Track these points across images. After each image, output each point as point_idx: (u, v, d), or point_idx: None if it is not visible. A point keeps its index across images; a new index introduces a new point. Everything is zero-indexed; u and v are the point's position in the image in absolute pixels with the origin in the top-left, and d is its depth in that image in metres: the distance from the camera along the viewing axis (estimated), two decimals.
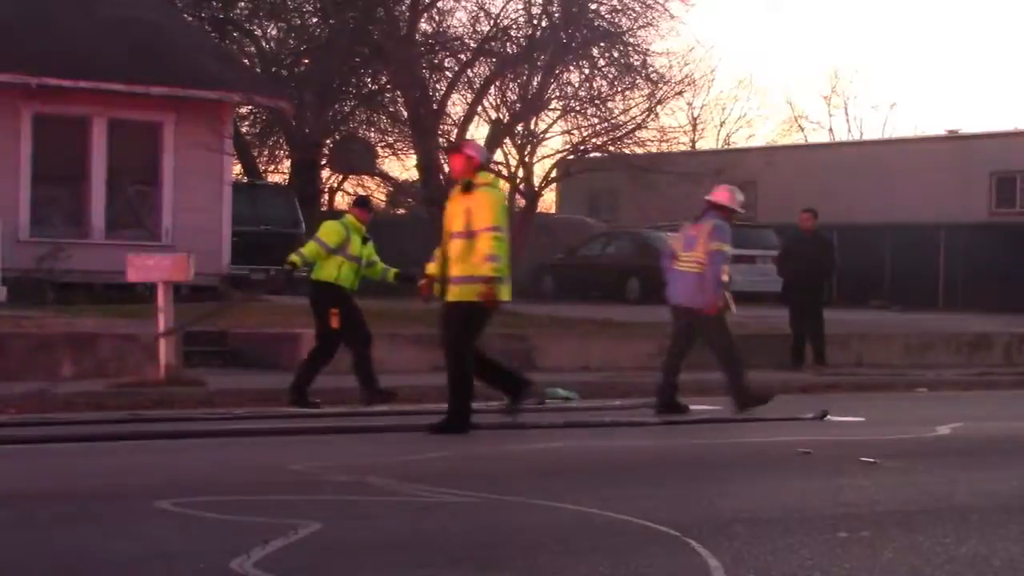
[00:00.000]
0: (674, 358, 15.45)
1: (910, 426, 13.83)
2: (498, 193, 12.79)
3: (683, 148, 35.91)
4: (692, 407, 15.50)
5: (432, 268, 12.97)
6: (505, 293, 12.68)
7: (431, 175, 26.79)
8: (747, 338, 21.77)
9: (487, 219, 12.35)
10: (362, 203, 16.72)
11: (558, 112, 25.76)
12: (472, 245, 12.42)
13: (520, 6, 30.18)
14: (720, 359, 15.30)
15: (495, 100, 26.75)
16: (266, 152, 39.68)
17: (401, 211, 41.56)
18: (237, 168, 32.61)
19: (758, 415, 14.75)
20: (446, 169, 25.70)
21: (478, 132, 30.11)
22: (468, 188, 12.56)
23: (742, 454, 11.71)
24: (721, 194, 15.56)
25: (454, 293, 12.58)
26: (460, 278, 12.50)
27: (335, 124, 33.41)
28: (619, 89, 26.96)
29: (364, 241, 15.84)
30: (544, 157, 26.25)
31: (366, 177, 37.13)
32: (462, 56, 31.98)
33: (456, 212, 12.61)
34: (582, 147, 25.71)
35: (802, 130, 63.54)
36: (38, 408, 14.02)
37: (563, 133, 26.36)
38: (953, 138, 42.13)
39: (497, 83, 27.06)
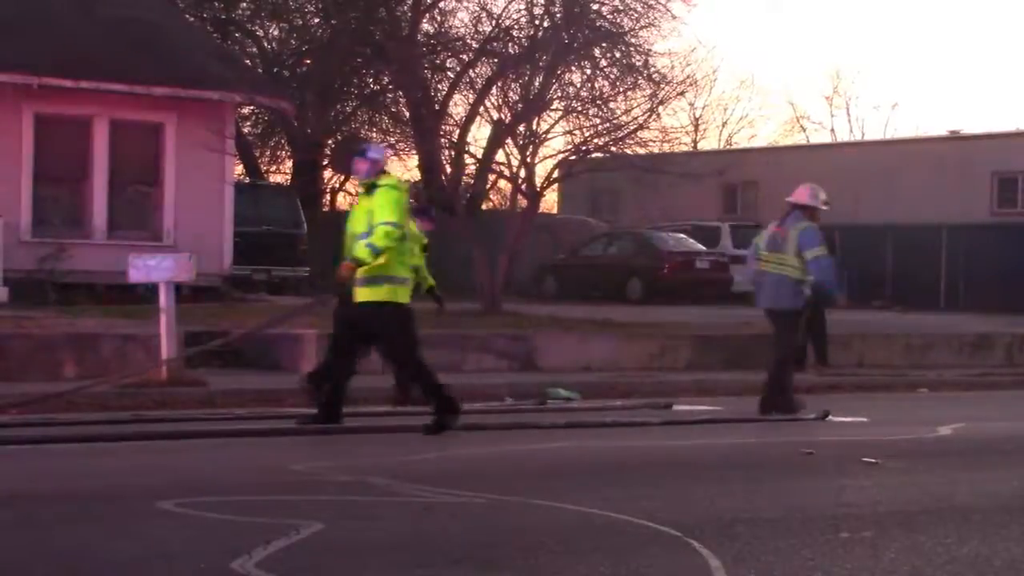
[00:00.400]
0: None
1: (912, 426, 13.83)
2: (400, 193, 12.76)
3: (685, 148, 35.92)
4: (693, 408, 15.50)
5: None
6: (403, 295, 12.71)
7: (433, 175, 26.77)
8: (749, 339, 21.80)
9: (385, 215, 12.41)
10: (423, 212, 16.71)
11: (560, 112, 25.72)
12: None
13: (522, 6, 30.14)
14: (777, 357, 15.17)
15: (497, 100, 26.71)
16: (268, 152, 39.71)
17: None
18: (239, 168, 32.61)
19: (759, 416, 14.74)
20: (448, 170, 25.76)
21: (480, 132, 30.12)
22: (371, 189, 12.67)
23: (743, 454, 11.72)
24: (801, 194, 15.43)
25: (363, 295, 12.62)
26: (366, 279, 12.54)
27: (337, 124, 33.41)
28: (621, 89, 26.93)
29: (424, 250, 15.93)
30: (546, 157, 26.21)
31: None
32: (464, 56, 31.94)
33: (360, 214, 12.76)
34: (584, 147, 25.66)
35: (804, 130, 63.67)
36: (40, 409, 14.00)
37: (565, 133, 26.31)
38: (955, 138, 42.15)
39: (499, 83, 27.02)
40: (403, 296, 12.70)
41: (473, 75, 30.44)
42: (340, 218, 40.14)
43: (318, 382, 14.98)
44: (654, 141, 26.45)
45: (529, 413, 15.02)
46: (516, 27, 30.46)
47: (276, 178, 39.04)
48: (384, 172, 12.93)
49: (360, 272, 12.51)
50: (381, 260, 12.42)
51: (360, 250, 12.42)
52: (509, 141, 24.63)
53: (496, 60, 28.22)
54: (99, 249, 23.78)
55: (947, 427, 13.80)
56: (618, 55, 27.77)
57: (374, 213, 12.50)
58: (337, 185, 41.48)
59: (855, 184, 38.75)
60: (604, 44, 27.70)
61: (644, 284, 32.87)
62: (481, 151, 27.20)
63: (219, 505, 8.39)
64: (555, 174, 26.12)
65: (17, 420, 13.09)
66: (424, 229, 15.95)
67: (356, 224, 12.76)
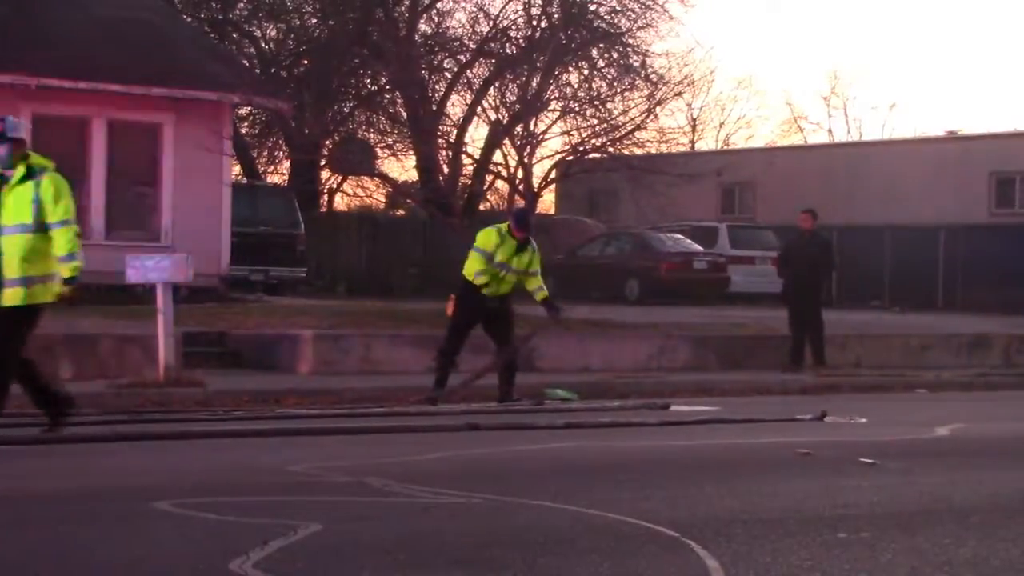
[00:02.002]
0: None
1: (909, 427, 13.83)
2: (64, 180, 11.53)
3: (682, 149, 35.95)
4: (691, 408, 15.51)
5: None
6: (48, 294, 11.46)
7: (430, 176, 26.79)
8: (746, 339, 21.82)
9: (61, 212, 11.27)
10: (514, 217, 16.39)
11: (557, 113, 25.75)
12: (45, 241, 11.31)
13: (519, 7, 30.22)
14: None
15: (494, 101, 26.78)
16: (265, 153, 39.74)
17: (400, 212, 41.62)
18: (236, 169, 32.63)
19: (759, 416, 14.73)
20: (446, 170, 25.77)
21: (477, 133, 30.14)
22: (32, 174, 11.34)
23: (741, 455, 11.71)
24: None
25: (17, 296, 11.30)
26: (30, 278, 11.30)
27: (334, 125, 33.44)
28: (618, 90, 26.97)
29: (519, 251, 15.86)
30: (543, 158, 26.24)
31: (365, 178, 37.16)
32: (461, 57, 32.00)
33: (18, 203, 11.31)
34: (581, 148, 25.68)
35: (801, 131, 63.69)
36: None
37: (562, 134, 26.36)
38: (953, 139, 42.15)
39: (496, 84, 27.08)
40: (47, 295, 11.45)
41: (471, 76, 30.49)
42: (338, 218, 40.33)
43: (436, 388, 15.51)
44: (651, 141, 26.49)
45: (527, 414, 15.02)
46: (513, 28, 30.53)
47: (274, 178, 39.09)
48: (30, 151, 11.58)
49: (23, 271, 11.27)
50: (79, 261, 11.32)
51: (68, 269, 11.22)
52: (507, 141, 24.64)
53: (494, 61, 28.27)
54: (97, 249, 23.66)
55: (945, 428, 13.80)
56: (615, 56, 27.83)
57: (44, 206, 11.24)
58: (335, 186, 41.51)
59: (852, 185, 38.77)
60: (601, 45, 27.76)
61: (642, 284, 32.86)
62: (479, 151, 27.25)
63: (217, 505, 8.38)
64: (552, 175, 26.13)
65: (14, 420, 13.09)
66: (516, 236, 15.91)
67: (12, 214, 11.31)
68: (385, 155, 35.49)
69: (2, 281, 11.36)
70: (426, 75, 30.22)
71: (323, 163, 33.87)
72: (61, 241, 11.28)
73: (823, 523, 8.20)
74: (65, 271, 11.32)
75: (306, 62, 36.39)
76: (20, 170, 11.44)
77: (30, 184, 11.37)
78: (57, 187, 11.42)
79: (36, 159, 11.61)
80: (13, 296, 11.34)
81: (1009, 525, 8.32)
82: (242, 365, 18.04)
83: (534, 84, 25.06)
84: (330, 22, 34.94)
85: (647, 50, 28.46)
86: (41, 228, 11.32)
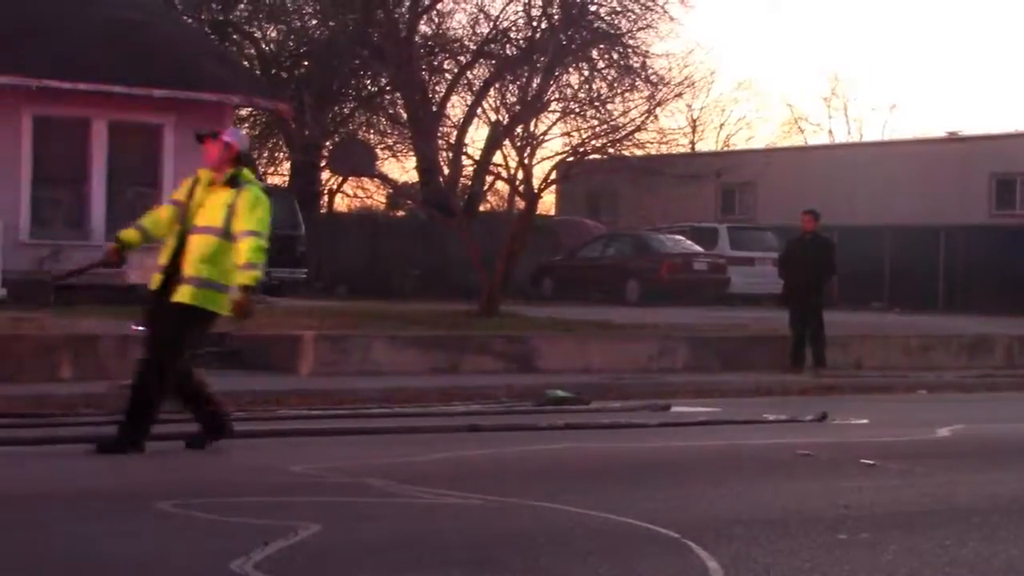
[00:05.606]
0: None
1: (910, 428, 13.83)
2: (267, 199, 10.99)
3: (682, 150, 35.99)
4: (691, 409, 15.51)
5: None
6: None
7: (431, 177, 26.79)
8: (747, 340, 21.81)
9: (254, 223, 10.79)
10: None
11: (557, 114, 25.71)
12: (228, 248, 10.92)
13: (519, 8, 30.25)
14: None
15: (494, 102, 26.76)
16: (266, 154, 39.75)
17: (400, 213, 41.63)
18: None
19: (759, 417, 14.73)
20: (446, 171, 25.78)
21: (477, 134, 30.15)
22: (236, 183, 11.01)
23: (742, 456, 11.71)
24: None
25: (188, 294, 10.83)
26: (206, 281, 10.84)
27: (335, 126, 33.47)
28: (619, 91, 26.95)
29: None
30: (544, 159, 26.20)
31: (365, 179, 37.18)
32: (462, 58, 32.03)
33: (213, 206, 11.07)
34: (581, 149, 25.64)
35: (802, 132, 63.73)
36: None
37: (562, 135, 26.32)
38: (953, 140, 42.17)
39: (496, 85, 27.07)
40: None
41: (471, 76, 30.54)
42: (339, 220, 40.35)
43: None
44: (652, 142, 26.45)
45: (528, 415, 15.01)
46: (514, 28, 30.58)
47: (274, 180, 39.10)
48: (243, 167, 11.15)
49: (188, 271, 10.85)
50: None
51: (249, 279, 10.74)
52: (507, 142, 24.62)
53: (494, 62, 28.27)
54: (98, 250, 23.75)
55: (946, 429, 13.79)
56: (616, 56, 27.83)
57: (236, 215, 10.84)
58: (335, 187, 41.53)
59: (853, 185, 38.78)
60: (602, 46, 27.76)
61: (642, 285, 32.87)
62: (479, 153, 27.25)
63: (217, 506, 8.38)
64: (553, 176, 26.11)
65: (16, 421, 13.09)
66: None
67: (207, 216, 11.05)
68: (385, 156, 35.52)
69: (181, 278, 10.89)
70: (426, 76, 30.25)
71: (323, 164, 33.91)
72: (245, 249, 10.75)
73: (824, 524, 8.20)
74: (243, 279, 10.79)
75: (306, 63, 36.42)
76: (226, 174, 11.11)
77: (232, 191, 10.99)
78: (257, 199, 10.92)
79: (247, 174, 11.25)
80: (185, 293, 10.88)
81: (1010, 526, 8.32)
82: (243, 366, 18.01)
83: (534, 85, 25.05)
84: (330, 23, 34.95)
85: (647, 51, 28.47)
86: (228, 235, 10.86)
